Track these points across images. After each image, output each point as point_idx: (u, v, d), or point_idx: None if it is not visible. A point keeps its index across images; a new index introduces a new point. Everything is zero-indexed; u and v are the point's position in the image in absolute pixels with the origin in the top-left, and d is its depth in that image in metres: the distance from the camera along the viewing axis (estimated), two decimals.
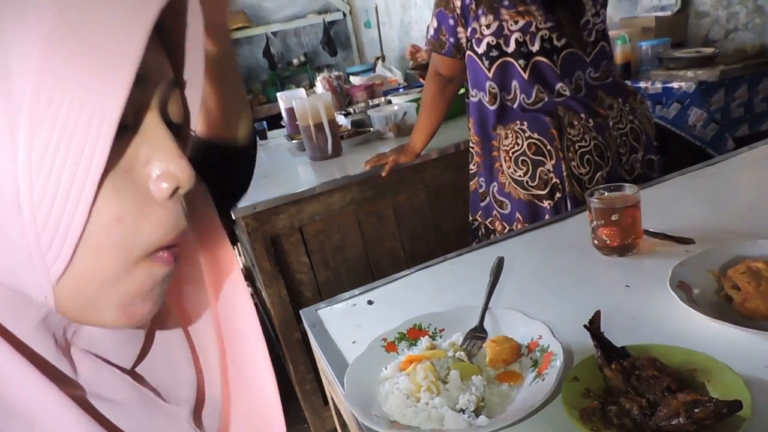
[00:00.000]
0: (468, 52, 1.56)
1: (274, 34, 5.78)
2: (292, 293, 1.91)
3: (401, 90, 3.21)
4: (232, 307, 0.59)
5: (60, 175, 0.34)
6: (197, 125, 0.50)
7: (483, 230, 1.72)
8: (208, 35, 0.61)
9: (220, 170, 0.71)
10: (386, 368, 0.80)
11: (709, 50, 2.38)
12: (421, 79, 3.10)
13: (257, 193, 1.88)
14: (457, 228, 2.09)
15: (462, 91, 1.77)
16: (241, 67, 6.15)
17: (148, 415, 0.48)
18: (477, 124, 1.63)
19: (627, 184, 1.05)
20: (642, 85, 2.40)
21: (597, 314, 0.75)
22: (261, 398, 0.60)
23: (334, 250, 1.96)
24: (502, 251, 1.08)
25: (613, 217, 1.00)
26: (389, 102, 2.86)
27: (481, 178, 1.68)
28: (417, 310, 0.97)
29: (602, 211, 1.01)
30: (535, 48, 1.48)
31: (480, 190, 1.70)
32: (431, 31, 1.60)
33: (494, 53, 1.50)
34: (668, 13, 2.71)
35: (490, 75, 1.53)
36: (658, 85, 2.34)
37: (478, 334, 0.85)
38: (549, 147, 1.49)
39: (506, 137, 1.55)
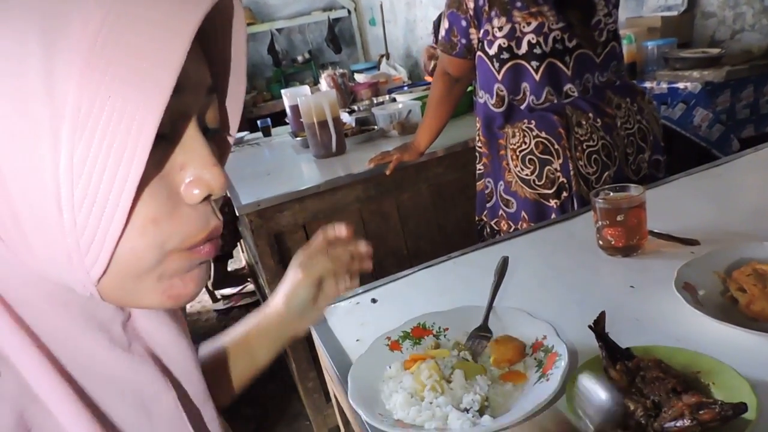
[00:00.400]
0: (479, 53, 1.55)
1: (279, 30, 5.78)
2: None
3: (406, 88, 3.20)
4: None
5: (99, 181, 0.34)
6: (236, 129, 0.51)
7: (488, 230, 1.72)
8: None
9: None
10: (390, 367, 0.80)
11: (715, 51, 2.37)
12: (427, 78, 3.10)
13: (261, 190, 1.88)
14: (461, 227, 2.09)
15: (470, 88, 1.76)
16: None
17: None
18: (484, 124, 1.63)
19: (632, 185, 1.04)
20: (647, 85, 2.39)
21: (602, 315, 0.75)
22: None
23: None
24: (507, 251, 1.08)
25: (619, 218, 0.99)
26: (393, 100, 2.85)
27: (488, 179, 1.68)
28: (421, 308, 0.97)
29: (607, 211, 1.01)
30: (548, 49, 1.47)
31: (486, 191, 1.70)
32: (442, 32, 1.60)
33: (505, 55, 1.50)
34: (674, 13, 2.70)
35: (500, 77, 1.53)
36: (664, 85, 2.33)
37: (482, 333, 0.85)
38: (556, 146, 1.49)
39: (513, 136, 1.54)
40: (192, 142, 0.41)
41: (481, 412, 0.68)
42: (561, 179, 1.50)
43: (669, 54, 2.45)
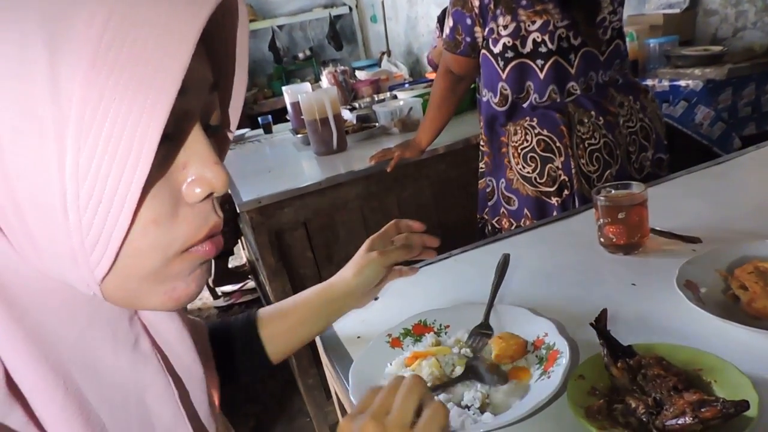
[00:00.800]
0: (483, 51, 1.55)
1: (280, 27, 5.76)
2: (296, 288, 1.91)
3: (407, 85, 3.20)
4: None
5: (105, 182, 0.34)
6: (236, 126, 0.51)
7: (490, 228, 1.72)
8: None
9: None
10: (391, 364, 0.80)
11: (717, 48, 2.37)
12: (429, 75, 3.10)
13: (262, 187, 1.88)
14: (462, 224, 2.09)
15: (473, 85, 1.76)
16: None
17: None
18: (486, 123, 1.63)
19: (634, 183, 1.04)
20: (649, 82, 2.38)
21: (603, 312, 0.75)
22: None
23: (339, 245, 1.96)
24: (508, 248, 1.08)
25: (620, 215, 0.99)
26: (395, 97, 2.85)
27: (490, 178, 1.68)
28: (422, 306, 0.97)
29: (609, 209, 1.01)
30: (554, 47, 1.47)
31: (488, 189, 1.70)
32: (446, 30, 1.59)
33: (510, 54, 1.49)
34: (677, 10, 2.69)
35: (504, 76, 1.52)
36: (666, 83, 2.32)
37: (483, 330, 0.85)
38: (558, 144, 1.49)
39: (515, 133, 1.54)
40: (194, 141, 0.41)
41: (482, 409, 0.68)
42: (562, 177, 1.50)
43: (671, 51, 2.45)
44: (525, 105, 1.54)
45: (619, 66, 1.59)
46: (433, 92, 1.77)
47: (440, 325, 0.89)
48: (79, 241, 0.36)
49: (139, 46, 0.34)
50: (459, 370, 0.75)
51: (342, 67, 3.37)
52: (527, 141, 1.52)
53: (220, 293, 3.43)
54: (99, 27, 0.33)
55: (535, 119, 1.51)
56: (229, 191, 2.23)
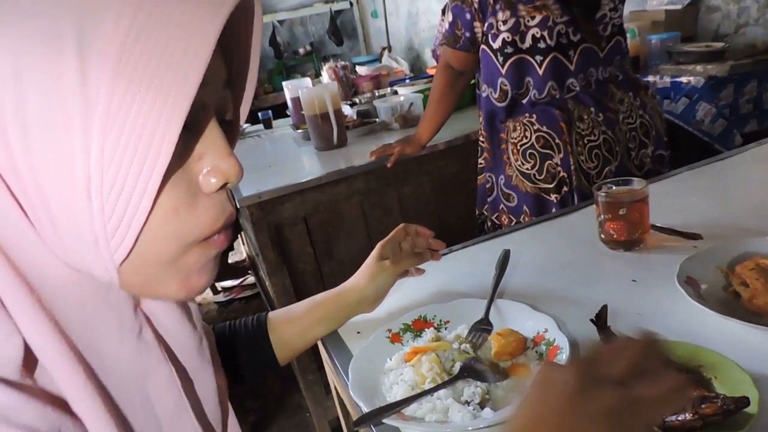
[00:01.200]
0: (482, 47, 1.54)
1: (281, 22, 5.76)
2: (295, 283, 1.91)
3: (407, 81, 3.19)
4: None
5: (128, 170, 0.36)
6: (244, 121, 0.53)
7: (489, 225, 1.72)
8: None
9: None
10: (391, 359, 0.80)
11: (718, 45, 2.36)
12: (430, 70, 3.09)
13: (262, 182, 1.88)
14: (462, 220, 2.09)
15: (473, 81, 1.75)
16: None
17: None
18: (486, 118, 1.62)
19: (635, 179, 1.04)
20: (650, 79, 2.38)
21: (604, 308, 0.75)
22: None
23: (339, 240, 1.96)
24: (508, 244, 1.08)
25: (621, 212, 0.99)
26: (395, 92, 2.84)
27: (489, 173, 1.67)
28: (422, 301, 0.97)
29: (610, 205, 1.00)
30: (553, 43, 1.46)
31: (487, 185, 1.69)
32: (446, 25, 1.58)
33: (509, 50, 1.49)
34: (678, 6, 2.68)
35: (504, 71, 1.52)
36: (667, 79, 2.32)
37: (483, 326, 0.84)
38: (557, 140, 1.48)
39: (514, 129, 1.54)
40: (210, 134, 0.43)
41: (482, 405, 0.68)
42: (561, 174, 1.49)
43: (672, 48, 2.44)
44: (524, 101, 1.53)
45: (620, 62, 1.58)
46: (433, 88, 1.77)
47: (440, 321, 0.89)
48: (102, 225, 0.37)
49: (163, 43, 0.36)
50: (459, 366, 0.74)
51: (342, 63, 3.37)
52: (526, 137, 1.51)
53: (220, 288, 3.43)
54: (126, 24, 0.35)
55: (534, 116, 1.50)
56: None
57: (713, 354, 0.67)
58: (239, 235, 3.22)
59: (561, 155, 1.49)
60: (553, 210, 1.49)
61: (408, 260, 0.94)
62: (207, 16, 0.37)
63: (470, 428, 0.65)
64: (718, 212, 1.11)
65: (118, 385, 0.46)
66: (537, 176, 1.52)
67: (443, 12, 1.61)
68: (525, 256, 1.07)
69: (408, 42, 5.24)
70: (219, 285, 3.42)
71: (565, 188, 1.50)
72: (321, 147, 2.22)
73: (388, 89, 3.07)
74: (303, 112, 2.23)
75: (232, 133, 0.51)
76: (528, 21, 1.44)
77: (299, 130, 2.54)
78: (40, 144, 0.35)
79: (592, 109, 1.50)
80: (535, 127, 1.50)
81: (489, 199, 1.70)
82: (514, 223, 1.60)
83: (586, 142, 1.50)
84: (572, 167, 1.49)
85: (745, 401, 0.56)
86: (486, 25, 1.50)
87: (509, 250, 1.02)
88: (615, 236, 1.01)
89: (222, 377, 0.63)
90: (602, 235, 1.04)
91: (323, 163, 2.09)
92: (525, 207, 1.56)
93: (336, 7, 5.82)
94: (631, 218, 0.99)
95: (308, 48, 5.81)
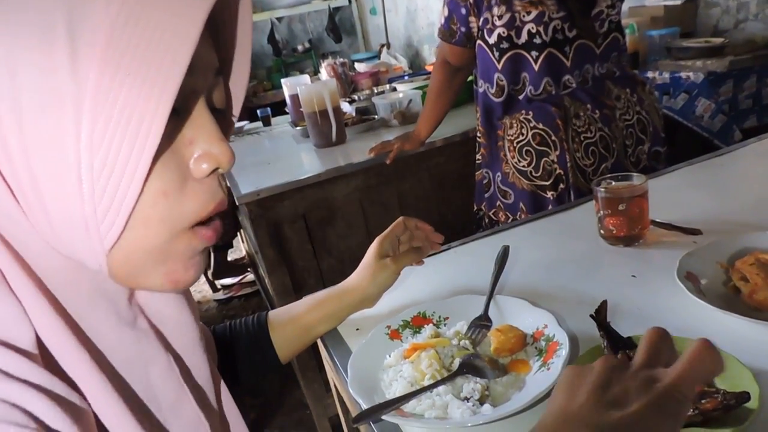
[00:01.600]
0: (479, 42, 1.54)
1: (279, 20, 5.74)
2: (295, 280, 1.91)
3: (406, 77, 3.19)
4: None
5: (118, 153, 0.37)
6: (239, 112, 0.54)
7: (487, 221, 1.72)
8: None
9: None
10: (390, 356, 0.80)
11: (718, 40, 2.36)
12: (428, 67, 3.08)
13: (261, 180, 1.88)
14: (461, 216, 2.08)
15: (470, 78, 1.75)
16: None
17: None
18: (483, 114, 1.62)
19: (635, 174, 1.04)
20: (650, 75, 2.37)
21: (603, 304, 0.74)
22: None
23: (338, 237, 1.96)
24: (508, 240, 1.08)
25: (620, 207, 0.99)
26: (394, 89, 2.84)
27: (486, 169, 1.67)
28: (421, 297, 0.96)
29: (609, 200, 1.00)
30: (548, 38, 1.46)
31: (484, 181, 1.69)
32: (442, 20, 1.58)
33: (505, 45, 1.48)
34: (678, 2, 2.68)
35: (500, 67, 1.52)
36: (666, 75, 2.31)
37: (482, 322, 0.84)
38: (554, 137, 1.48)
39: (511, 127, 1.54)
40: (200, 119, 0.44)
41: (481, 401, 0.68)
42: (558, 171, 1.49)
43: (672, 43, 2.44)
44: (521, 97, 1.53)
45: (617, 59, 1.58)
46: (431, 84, 1.77)
47: (439, 317, 0.89)
48: (92, 208, 0.38)
49: (151, 27, 0.36)
50: (458, 362, 0.74)
51: (341, 60, 3.36)
52: (523, 135, 1.51)
53: (219, 286, 3.43)
54: (115, 10, 0.35)
55: (530, 113, 1.50)
56: (228, 184, 2.23)
57: None
58: (239, 233, 3.22)
59: (557, 152, 1.48)
60: (550, 207, 1.49)
61: (408, 256, 0.93)
62: (195, 1, 0.37)
63: (470, 424, 0.64)
64: (718, 207, 1.10)
65: (123, 370, 0.47)
66: (533, 173, 1.52)
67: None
68: (524, 252, 1.07)
69: (407, 39, 5.23)
70: (218, 283, 3.42)
71: (561, 185, 1.50)
72: (320, 144, 2.22)
73: (387, 86, 3.06)
74: (302, 110, 2.23)
75: (227, 123, 0.52)
76: (524, 16, 1.44)
77: (298, 128, 2.54)
78: (32, 129, 0.36)
79: (589, 106, 1.50)
80: (532, 125, 1.50)
81: (486, 195, 1.69)
82: (510, 220, 1.60)
83: (582, 139, 1.50)
84: (569, 164, 1.48)
85: (745, 396, 0.55)
86: (481, 20, 1.49)
87: (508, 246, 1.02)
88: (614, 232, 1.01)
89: (217, 374, 0.63)
90: (602, 231, 1.04)
91: (322, 160, 2.09)
92: (521, 204, 1.56)
93: (334, 4, 5.81)
94: (631, 214, 0.99)
95: (307, 45, 5.80)
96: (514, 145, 1.53)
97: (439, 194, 2.10)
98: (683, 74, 2.25)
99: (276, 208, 1.84)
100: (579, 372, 0.43)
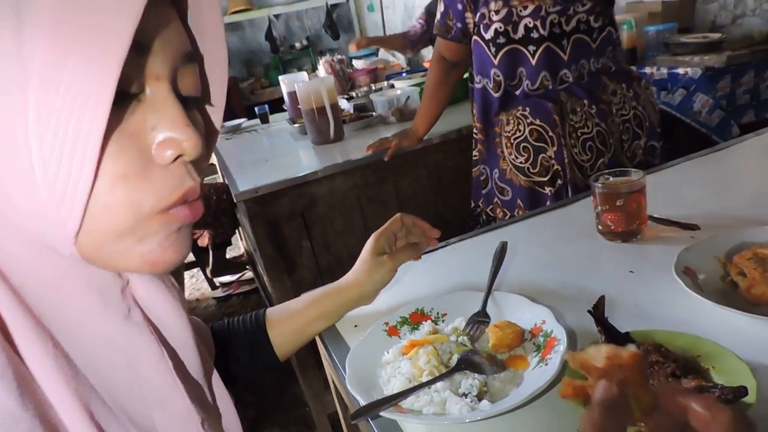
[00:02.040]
0: (475, 37, 1.54)
1: (276, 17, 5.74)
2: (293, 277, 1.91)
3: (404, 74, 3.18)
4: None
5: (65, 136, 0.36)
6: (222, 100, 0.52)
7: (484, 217, 1.72)
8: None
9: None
10: (388, 352, 0.80)
11: (715, 36, 2.36)
12: (426, 63, 3.08)
13: (259, 177, 1.88)
14: (459, 213, 2.08)
15: (465, 75, 1.75)
16: (242, 50, 6.08)
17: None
18: (480, 110, 1.62)
19: (632, 169, 1.04)
20: (647, 70, 2.37)
21: (601, 299, 0.74)
22: None
23: (336, 234, 1.96)
24: (505, 236, 1.08)
25: (618, 203, 0.99)
26: (392, 86, 2.84)
27: (483, 166, 1.67)
28: (419, 294, 0.96)
29: (607, 196, 1.00)
30: (545, 33, 1.46)
31: (482, 177, 1.69)
32: (438, 16, 1.58)
33: (501, 40, 1.48)
34: None
35: (496, 62, 1.51)
36: (664, 70, 2.31)
37: (480, 318, 0.84)
38: (551, 133, 1.48)
39: (508, 123, 1.53)
40: (164, 103, 0.42)
41: (479, 397, 0.68)
42: (555, 167, 1.49)
43: (669, 39, 2.44)
44: (518, 92, 1.53)
45: (612, 53, 1.58)
46: (428, 80, 1.77)
47: (437, 313, 0.89)
48: (48, 194, 0.37)
49: (96, 5, 0.35)
50: (456, 358, 0.74)
51: (339, 57, 3.35)
52: (520, 131, 1.51)
53: (218, 284, 3.43)
54: None
55: (527, 109, 1.50)
56: (226, 181, 2.22)
57: (711, 344, 0.67)
58: (237, 231, 3.22)
59: (555, 148, 1.48)
60: (547, 203, 1.49)
61: (405, 253, 0.92)
62: None
63: (468, 420, 0.64)
64: (716, 203, 1.10)
65: (100, 366, 0.45)
66: (531, 170, 1.52)
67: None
68: (522, 248, 1.07)
69: None
70: (217, 280, 3.41)
71: (559, 181, 1.50)
72: (318, 141, 2.22)
73: (385, 83, 3.06)
74: (299, 107, 2.23)
75: (204, 114, 0.51)
76: (520, 11, 1.44)
77: (296, 125, 2.53)
78: None
79: (585, 101, 1.50)
80: (529, 121, 1.49)
81: (483, 192, 1.69)
82: (508, 216, 1.60)
83: (579, 134, 1.50)
84: (566, 160, 1.48)
85: (743, 390, 0.55)
86: (478, 15, 1.49)
87: (506, 242, 1.02)
88: (612, 227, 1.01)
89: (210, 369, 0.63)
90: (600, 227, 1.04)
91: (320, 157, 2.08)
92: (519, 201, 1.56)
93: (332, 0, 5.80)
94: (629, 209, 0.99)
95: (304, 42, 5.80)
96: (511, 141, 1.53)
97: (438, 191, 2.10)
98: (681, 70, 2.26)
99: (274, 206, 1.84)
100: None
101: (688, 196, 1.16)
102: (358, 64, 3.55)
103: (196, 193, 0.45)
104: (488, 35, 1.49)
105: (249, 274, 3.40)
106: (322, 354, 0.98)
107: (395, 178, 2.01)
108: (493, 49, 1.51)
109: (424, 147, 1.99)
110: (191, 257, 3.21)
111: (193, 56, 0.46)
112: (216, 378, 0.63)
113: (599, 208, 1.02)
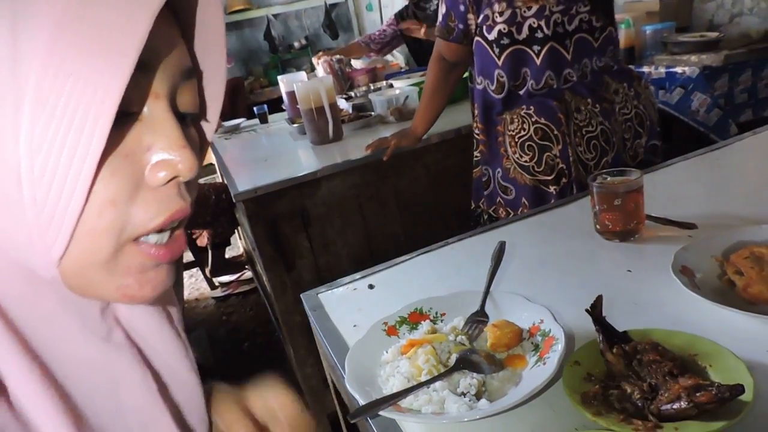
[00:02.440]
0: (477, 38, 1.54)
1: (275, 16, 5.73)
2: (292, 277, 1.91)
3: (403, 74, 3.18)
4: None
5: (59, 158, 0.34)
6: (216, 115, 0.50)
7: (486, 218, 1.71)
8: None
9: None
10: (387, 352, 0.80)
11: (713, 35, 2.36)
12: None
13: (258, 177, 1.88)
14: (458, 212, 2.08)
15: (465, 75, 1.75)
16: (241, 50, 6.05)
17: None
18: (481, 111, 1.62)
19: (630, 169, 1.04)
20: (645, 69, 2.38)
21: (599, 299, 0.75)
22: None
23: (335, 234, 1.96)
24: (504, 236, 1.08)
25: (616, 202, 0.99)
26: (391, 86, 2.84)
27: (485, 166, 1.67)
28: (418, 294, 0.96)
29: (605, 195, 1.00)
30: (549, 32, 1.46)
31: (483, 179, 1.69)
32: (439, 17, 1.58)
33: (505, 41, 1.48)
34: None
35: (500, 63, 1.51)
36: (662, 69, 2.32)
37: (479, 318, 0.85)
38: (556, 132, 1.48)
39: (512, 122, 1.53)
40: (162, 123, 0.40)
41: (478, 396, 0.68)
42: (560, 165, 1.49)
43: (667, 38, 2.44)
44: (522, 92, 1.53)
45: (612, 53, 1.58)
46: (427, 80, 1.77)
47: (436, 313, 0.89)
48: (35, 217, 0.35)
49: (100, 20, 0.34)
50: (455, 358, 0.75)
51: (338, 56, 3.35)
52: (524, 130, 1.51)
53: (217, 283, 3.43)
54: (61, 5, 0.33)
55: (532, 108, 1.50)
56: (225, 181, 2.23)
57: (708, 342, 0.67)
58: (236, 230, 3.22)
59: (560, 147, 1.48)
60: (552, 201, 1.49)
61: None
62: None
63: (466, 419, 0.65)
64: (713, 202, 1.11)
65: (80, 386, 0.44)
66: (536, 168, 1.52)
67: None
68: (520, 248, 1.07)
69: None
70: (216, 280, 3.42)
71: (564, 180, 1.50)
72: (317, 141, 2.22)
73: (384, 82, 3.06)
74: (298, 107, 2.23)
75: (200, 130, 0.49)
76: (524, 11, 1.44)
77: (295, 125, 2.53)
78: None
79: (589, 100, 1.50)
80: (533, 119, 1.50)
81: (485, 192, 1.69)
82: (512, 216, 1.60)
83: (584, 133, 1.50)
84: (571, 158, 1.49)
85: (739, 389, 0.56)
86: (481, 17, 1.49)
87: (504, 242, 1.02)
88: (610, 227, 1.01)
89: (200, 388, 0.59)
90: (597, 226, 1.04)
91: (319, 157, 2.09)
92: (524, 199, 1.56)
93: (331, 0, 5.79)
94: (626, 209, 0.99)
95: (303, 42, 5.79)
96: (516, 140, 1.53)
97: (436, 190, 2.10)
98: (679, 69, 2.26)
99: (273, 205, 1.84)
100: None
101: (686, 196, 1.16)
102: (356, 63, 3.55)
103: (186, 212, 0.43)
104: (491, 36, 1.49)
105: (248, 273, 3.40)
106: (321, 353, 0.99)
107: (394, 178, 2.01)
108: (496, 50, 1.51)
109: (423, 146, 1.99)
110: (190, 257, 3.21)
111: (192, 72, 0.44)
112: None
113: (597, 207, 1.02)
